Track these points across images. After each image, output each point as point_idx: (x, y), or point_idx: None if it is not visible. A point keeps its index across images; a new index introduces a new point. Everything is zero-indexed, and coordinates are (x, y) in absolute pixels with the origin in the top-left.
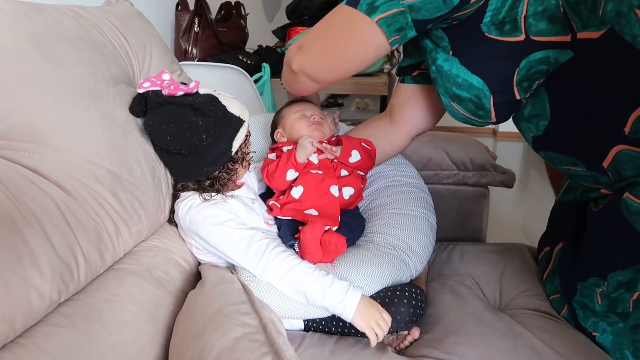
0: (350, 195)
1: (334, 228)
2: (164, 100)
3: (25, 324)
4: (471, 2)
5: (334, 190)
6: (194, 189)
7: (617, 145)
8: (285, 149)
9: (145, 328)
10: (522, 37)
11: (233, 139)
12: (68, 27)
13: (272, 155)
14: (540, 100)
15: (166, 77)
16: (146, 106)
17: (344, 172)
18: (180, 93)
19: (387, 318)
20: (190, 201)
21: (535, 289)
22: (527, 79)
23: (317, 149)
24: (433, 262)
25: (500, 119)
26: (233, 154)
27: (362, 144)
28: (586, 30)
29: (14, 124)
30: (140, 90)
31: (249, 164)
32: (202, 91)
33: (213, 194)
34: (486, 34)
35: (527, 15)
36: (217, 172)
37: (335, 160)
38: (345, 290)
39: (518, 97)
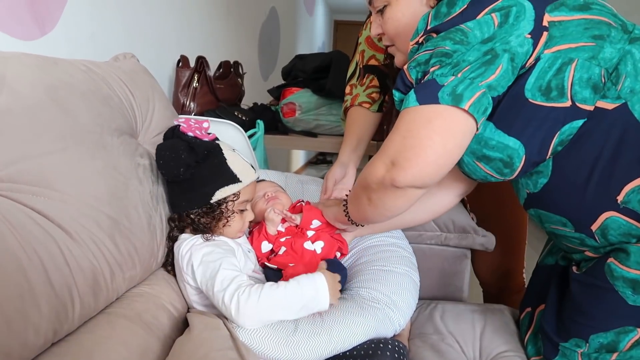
0: (322, 248)
1: None
2: (174, 134)
3: None
4: (526, 65)
5: (308, 245)
6: (183, 227)
7: (608, 212)
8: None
9: None
10: (568, 104)
11: (218, 188)
12: (80, 80)
13: None
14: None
15: (205, 125)
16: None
17: (310, 233)
18: (190, 134)
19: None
20: (192, 241)
21: (515, 350)
22: (562, 143)
23: (282, 218)
24: (415, 319)
25: (517, 176)
26: (212, 201)
27: None
28: (603, 100)
29: (24, 169)
30: (175, 122)
31: (227, 222)
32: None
33: (213, 236)
34: (530, 100)
35: (574, 82)
36: (193, 214)
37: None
38: (313, 282)
39: (547, 157)
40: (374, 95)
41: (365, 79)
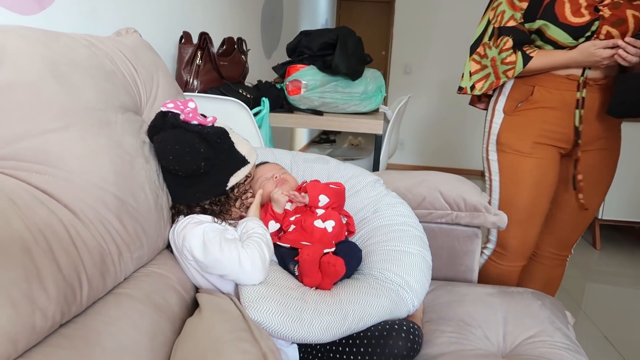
0: (332, 227)
1: (332, 250)
2: (177, 123)
3: (27, 344)
4: None
5: (318, 224)
6: (185, 214)
7: None
8: None
9: (144, 353)
10: None
11: (231, 174)
12: (82, 55)
13: None
14: None
15: (192, 105)
16: (164, 124)
17: (320, 211)
18: (195, 122)
19: None
20: (189, 219)
21: (541, 335)
22: None
23: (289, 198)
24: (431, 302)
25: None
26: (227, 188)
27: (330, 185)
28: None
29: (27, 146)
30: (163, 109)
31: (246, 206)
32: (217, 124)
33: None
34: None
35: None
36: (207, 203)
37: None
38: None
39: None
40: (508, 59)
41: (499, 40)
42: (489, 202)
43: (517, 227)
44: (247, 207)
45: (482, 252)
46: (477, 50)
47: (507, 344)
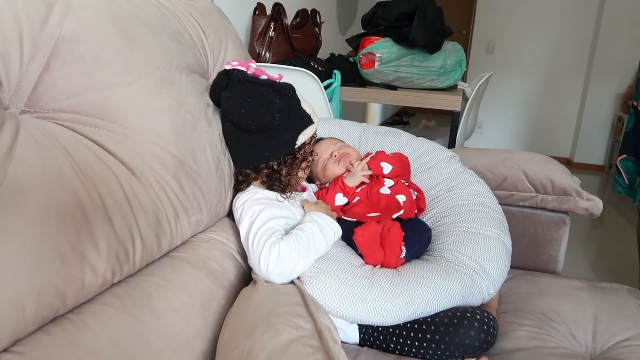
0: (403, 202)
1: (400, 213)
2: (245, 79)
3: (76, 300)
4: None
5: (384, 190)
6: (254, 179)
7: None
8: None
9: (195, 320)
10: None
11: (300, 132)
12: (149, 14)
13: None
14: None
15: (253, 65)
16: (228, 83)
17: (389, 182)
18: (264, 77)
19: None
20: (251, 194)
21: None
22: None
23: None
24: (508, 292)
25: None
26: (296, 147)
27: (389, 154)
28: None
29: (87, 100)
30: (227, 67)
31: (309, 167)
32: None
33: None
34: None
35: None
36: (276, 164)
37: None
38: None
39: None
40: None
41: None
42: None
43: None
44: (309, 168)
45: None
46: None
47: (598, 345)
